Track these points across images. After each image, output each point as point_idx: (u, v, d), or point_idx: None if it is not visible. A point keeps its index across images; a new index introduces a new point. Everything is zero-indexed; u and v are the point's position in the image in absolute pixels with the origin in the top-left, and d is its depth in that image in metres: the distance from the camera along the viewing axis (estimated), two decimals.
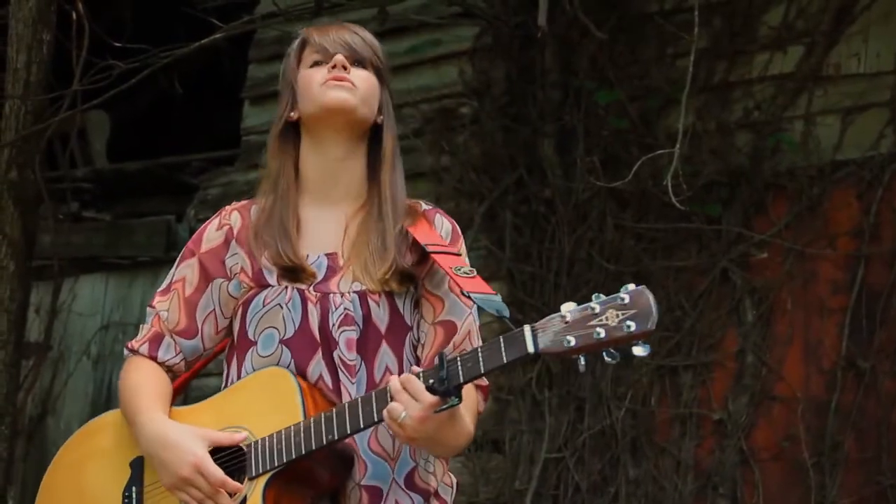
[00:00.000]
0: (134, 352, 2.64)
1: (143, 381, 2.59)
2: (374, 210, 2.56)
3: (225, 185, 6.15)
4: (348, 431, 2.37)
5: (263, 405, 2.47)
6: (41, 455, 6.29)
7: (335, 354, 2.49)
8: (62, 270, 5.82)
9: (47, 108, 4.98)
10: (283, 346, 2.51)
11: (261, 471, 2.42)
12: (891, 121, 4.76)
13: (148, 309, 2.66)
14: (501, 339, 2.27)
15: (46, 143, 5.29)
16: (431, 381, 2.28)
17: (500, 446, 5.11)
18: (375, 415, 2.35)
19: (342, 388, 2.48)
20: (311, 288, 2.52)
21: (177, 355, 2.62)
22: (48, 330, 5.88)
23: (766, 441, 4.77)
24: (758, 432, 4.79)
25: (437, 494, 2.56)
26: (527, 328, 2.24)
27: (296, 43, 2.65)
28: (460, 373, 2.28)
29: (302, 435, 2.39)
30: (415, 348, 2.55)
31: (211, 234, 2.65)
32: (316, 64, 2.59)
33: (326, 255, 2.56)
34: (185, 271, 2.64)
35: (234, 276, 2.59)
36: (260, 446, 2.44)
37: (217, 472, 2.42)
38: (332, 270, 2.54)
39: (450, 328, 2.54)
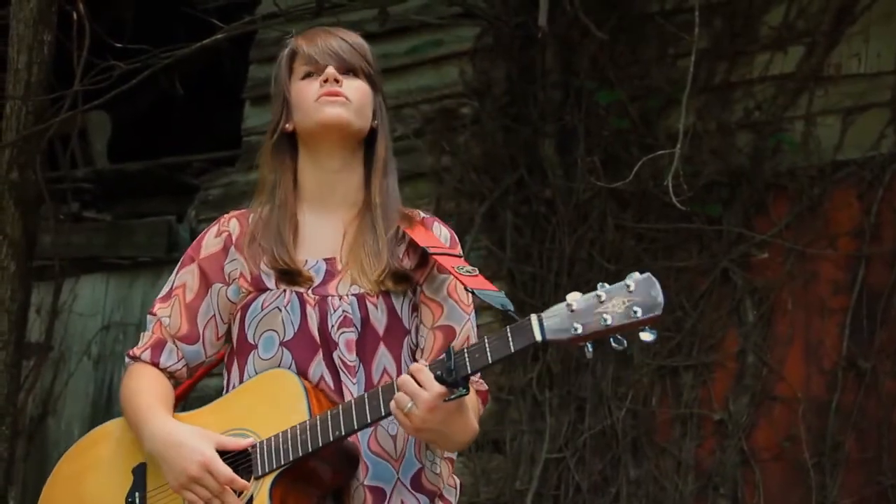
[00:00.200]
0: (136, 359, 2.64)
1: (146, 386, 2.59)
2: (369, 214, 2.58)
3: (226, 185, 6.15)
4: (355, 427, 2.38)
5: (267, 407, 2.47)
6: (42, 455, 6.29)
7: (335, 355, 2.50)
8: (63, 271, 5.82)
9: (48, 109, 4.97)
10: (284, 349, 2.51)
11: (267, 469, 2.43)
12: (891, 121, 4.76)
13: (149, 316, 2.67)
14: (508, 329, 2.27)
15: (47, 144, 5.29)
16: (439, 371, 2.28)
17: (500, 446, 5.11)
18: (382, 408, 2.35)
19: (344, 388, 2.48)
20: (310, 291, 2.53)
21: (179, 361, 2.63)
22: (49, 330, 5.87)
23: (766, 441, 4.77)
24: (758, 432, 4.79)
25: (441, 496, 2.56)
26: (533, 317, 2.25)
27: (285, 52, 2.65)
28: (468, 363, 2.28)
29: (308, 433, 2.39)
30: (413, 353, 2.56)
31: (210, 240, 2.66)
32: (307, 76, 2.59)
33: (325, 259, 2.57)
34: (185, 277, 2.65)
35: (232, 282, 2.60)
36: (266, 446, 2.44)
37: (226, 469, 2.42)
38: (330, 274, 2.55)
39: (449, 333, 2.54)
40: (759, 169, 4.90)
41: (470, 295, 2.52)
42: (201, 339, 2.62)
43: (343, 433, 2.38)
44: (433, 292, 2.56)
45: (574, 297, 2.24)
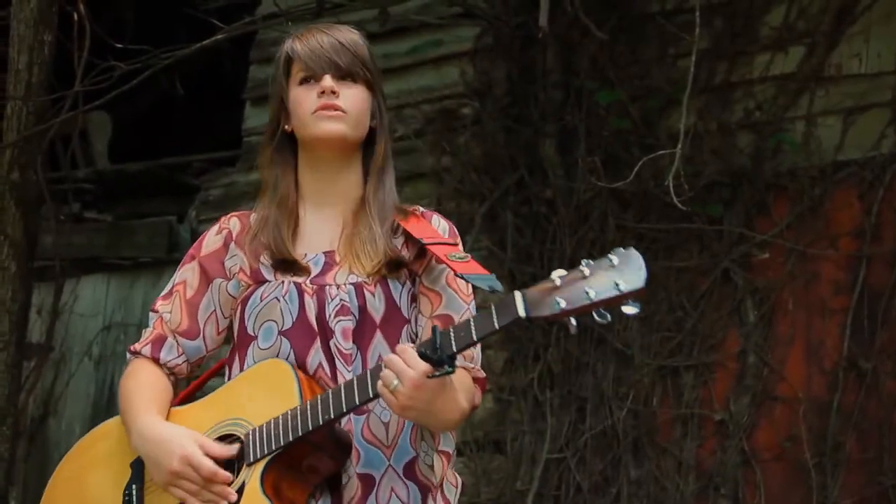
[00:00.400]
0: (136, 354, 2.66)
1: (140, 385, 2.62)
2: (366, 208, 2.61)
3: (226, 185, 6.15)
4: (344, 409, 2.39)
5: (261, 395, 2.49)
6: (43, 456, 6.29)
7: (331, 343, 2.52)
8: (64, 271, 5.82)
9: (49, 109, 4.98)
10: (283, 338, 2.53)
11: (259, 456, 2.44)
12: (892, 121, 4.76)
13: (150, 313, 2.70)
14: (493, 306, 2.29)
15: (48, 144, 5.30)
16: (424, 349, 2.31)
17: (501, 447, 5.11)
18: (370, 390, 2.37)
19: (339, 376, 2.50)
20: (308, 281, 2.56)
21: (179, 356, 2.65)
22: (50, 331, 5.88)
23: (767, 441, 4.77)
24: (759, 433, 4.79)
25: (441, 492, 2.57)
26: (517, 293, 2.26)
27: (283, 54, 2.66)
28: (453, 341, 2.30)
29: (299, 418, 2.42)
30: (413, 342, 2.56)
31: (210, 238, 2.70)
32: (305, 80, 2.61)
33: (324, 252, 2.60)
34: (185, 275, 2.68)
35: (233, 277, 2.63)
36: (258, 433, 2.46)
37: (207, 462, 2.45)
38: (328, 265, 2.58)
39: (447, 322, 2.54)
40: (760, 169, 4.90)
41: (470, 285, 2.53)
42: (202, 334, 2.65)
43: (332, 416, 2.39)
44: (431, 282, 2.58)
45: (558, 273, 2.25)
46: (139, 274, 6.44)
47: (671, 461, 4.86)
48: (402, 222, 2.60)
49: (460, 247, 2.59)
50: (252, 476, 2.44)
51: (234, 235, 2.66)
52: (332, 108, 2.57)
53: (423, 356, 2.30)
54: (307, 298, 2.54)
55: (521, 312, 2.24)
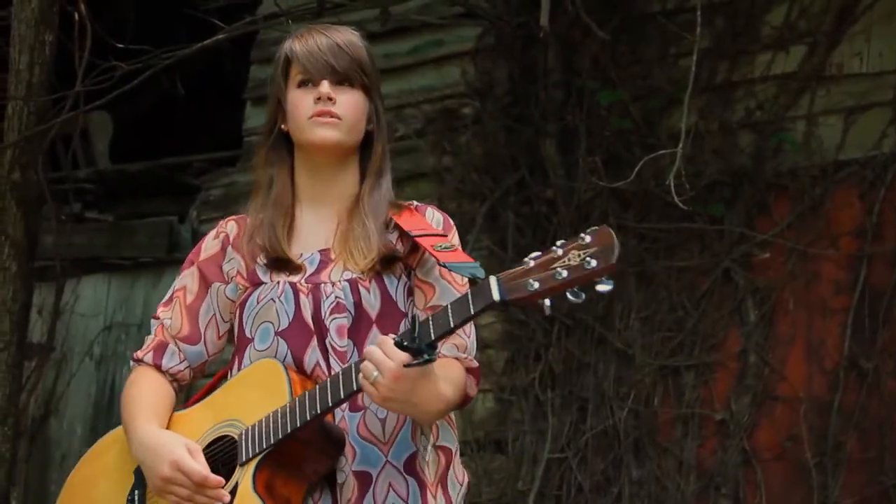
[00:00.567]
0: (139, 361, 2.68)
1: (141, 394, 2.63)
2: (361, 206, 2.62)
3: (227, 185, 6.15)
4: (330, 404, 2.40)
5: (254, 395, 2.50)
6: (44, 456, 6.29)
7: (327, 342, 2.52)
8: (64, 271, 5.82)
9: (50, 109, 4.97)
10: (279, 338, 2.54)
11: (250, 455, 2.45)
12: (893, 120, 4.75)
13: (152, 320, 2.72)
14: (469, 292, 2.30)
15: (49, 144, 5.29)
16: (401, 339, 2.32)
17: (502, 447, 5.11)
18: (354, 383, 2.37)
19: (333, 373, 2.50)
20: (303, 280, 2.57)
21: (181, 362, 2.67)
22: (51, 331, 5.87)
23: (768, 441, 4.77)
24: (760, 432, 4.79)
25: (444, 489, 2.58)
26: (492, 278, 2.27)
27: (282, 55, 2.66)
28: (431, 329, 2.30)
29: (288, 415, 2.42)
30: None
31: (209, 243, 2.71)
32: (302, 84, 2.62)
33: (320, 251, 2.61)
34: (185, 280, 2.70)
35: (231, 280, 2.65)
36: (250, 433, 2.47)
37: (196, 467, 2.45)
38: (324, 264, 2.59)
39: None
40: (761, 169, 4.90)
41: (465, 277, 2.53)
42: (203, 339, 2.67)
43: (319, 411, 2.40)
44: (425, 274, 2.59)
45: (533, 256, 2.26)
46: (140, 274, 6.44)
47: (672, 461, 4.86)
48: (395, 217, 2.60)
49: (451, 237, 2.59)
50: (244, 476, 2.45)
51: (231, 239, 2.68)
52: (327, 115, 2.58)
53: (400, 346, 2.30)
54: (303, 297, 2.54)
55: (496, 296, 2.25)
